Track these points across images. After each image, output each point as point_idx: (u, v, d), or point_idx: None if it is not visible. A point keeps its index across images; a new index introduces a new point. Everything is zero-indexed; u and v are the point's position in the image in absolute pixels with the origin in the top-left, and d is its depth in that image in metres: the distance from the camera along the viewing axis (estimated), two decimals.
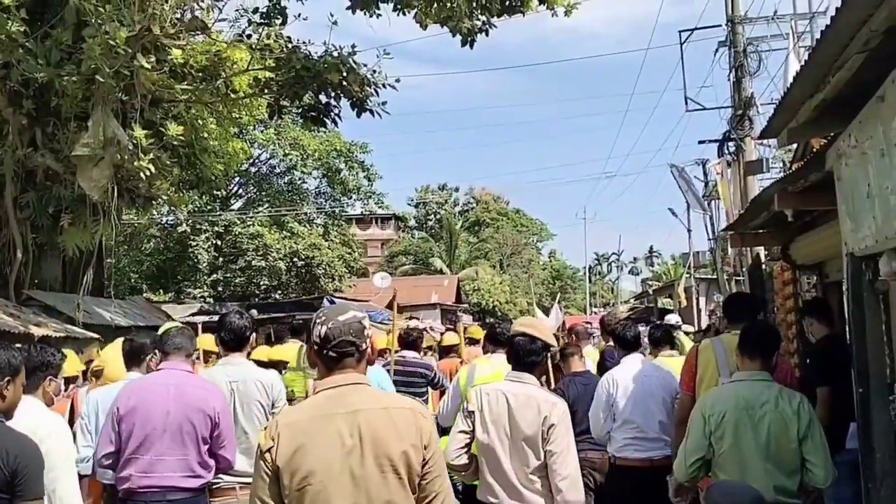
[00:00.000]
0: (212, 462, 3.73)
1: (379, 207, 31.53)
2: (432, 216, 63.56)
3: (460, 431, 3.45)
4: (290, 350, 7.45)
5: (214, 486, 3.85)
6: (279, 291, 25.47)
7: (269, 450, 2.13)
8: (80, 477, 3.46)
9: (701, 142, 17.15)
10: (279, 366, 7.14)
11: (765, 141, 10.20)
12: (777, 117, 3.97)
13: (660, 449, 4.59)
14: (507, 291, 46.76)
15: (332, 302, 17.58)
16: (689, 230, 22.73)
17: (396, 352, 6.86)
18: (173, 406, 3.63)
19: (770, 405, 3.27)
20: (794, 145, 6.94)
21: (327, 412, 2.16)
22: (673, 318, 10.67)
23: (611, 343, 6.30)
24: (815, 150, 4.33)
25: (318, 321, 2.28)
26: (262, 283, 25.00)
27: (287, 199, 26.62)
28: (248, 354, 6.38)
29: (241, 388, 4.05)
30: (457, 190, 65.16)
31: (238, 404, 4.00)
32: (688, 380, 4.36)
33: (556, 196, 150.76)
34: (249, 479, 3.91)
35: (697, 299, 20.49)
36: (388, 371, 6.45)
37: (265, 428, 2.26)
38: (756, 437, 3.24)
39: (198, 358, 5.51)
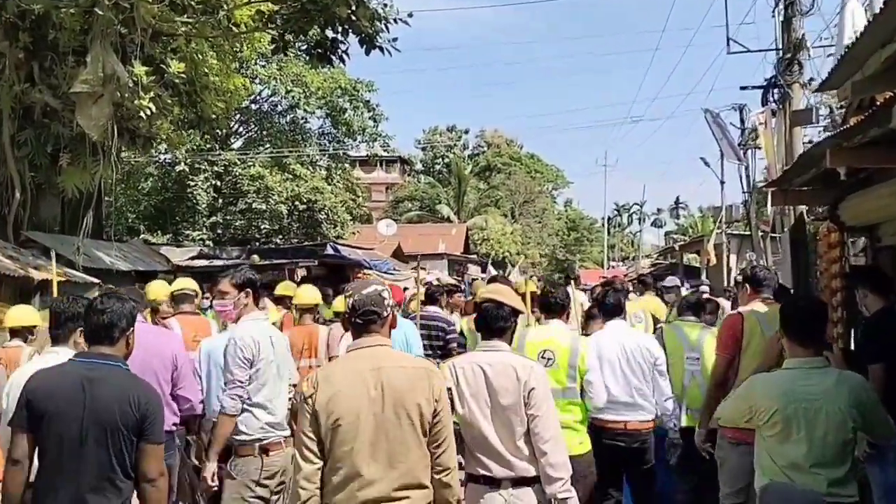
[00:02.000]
0: (174, 405, 4.27)
1: (384, 150, 31.40)
2: (440, 160, 63.11)
3: None
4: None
5: (266, 441, 4.14)
6: (280, 236, 25.62)
7: (310, 396, 2.88)
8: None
9: (743, 88, 16.97)
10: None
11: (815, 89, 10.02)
12: (841, 69, 3.91)
13: (633, 413, 5.02)
14: (519, 242, 46.84)
15: (335, 250, 17.74)
16: (721, 182, 22.58)
17: (423, 303, 7.44)
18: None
19: (827, 397, 3.26)
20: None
21: (357, 368, 2.93)
22: (704, 287, 10.81)
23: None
24: (877, 103, 4.24)
25: (346, 295, 3.08)
26: (262, 226, 25.16)
27: (289, 140, 26.54)
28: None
29: (277, 343, 4.28)
30: (466, 132, 64.66)
31: (278, 358, 4.25)
32: (731, 343, 4.60)
33: (575, 141, 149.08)
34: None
35: (728, 257, 20.43)
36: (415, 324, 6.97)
37: (307, 378, 2.97)
38: (810, 432, 3.27)
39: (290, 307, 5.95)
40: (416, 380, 2.93)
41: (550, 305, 4.84)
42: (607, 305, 5.37)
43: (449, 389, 3.41)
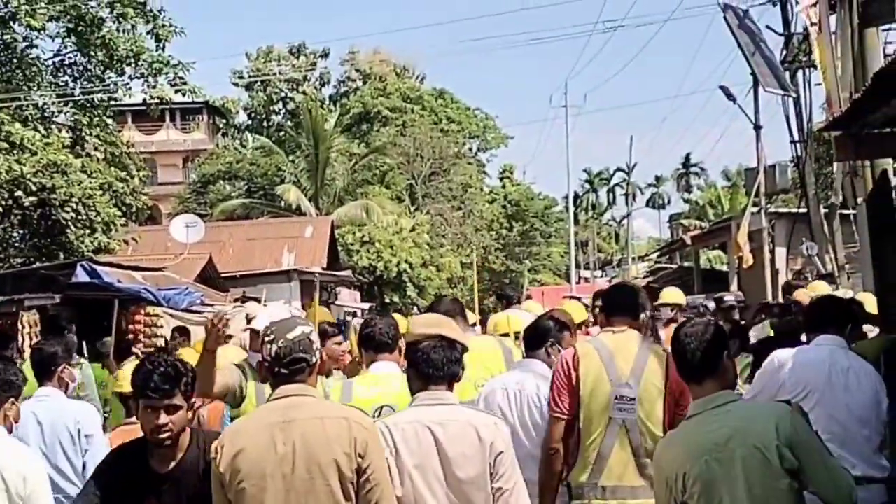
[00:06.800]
0: None
1: (178, 91, 30.93)
2: (279, 105, 62.78)
3: None
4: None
5: None
6: None
7: (215, 457, 4.21)
8: None
9: None
10: None
11: None
12: None
13: None
14: (425, 246, 47.01)
15: (93, 274, 17.29)
16: (756, 126, 22.63)
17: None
18: None
19: (737, 438, 4.17)
20: None
21: (267, 422, 4.20)
22: (729, 297, 11.14)
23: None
24: None
25: (266, 339, 4.35)
26: None
27: (1, 78, 25.84)
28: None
29: None
30: (325, 55, 64.85)
31: None
32: (563, 395, 5.61)
33: (515, 68, 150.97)
34: None
35: (772, 252, 20.94)
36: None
37: (216, 440, 4.33)
38: (731, 490, 4.14)
39: None
40: (334, 432, 4.13)
41: (378, 340, 6.00)
42: (528, 333, 6.58)
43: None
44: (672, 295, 11.80)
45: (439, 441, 4.39)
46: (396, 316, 10.28)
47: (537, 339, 6.42)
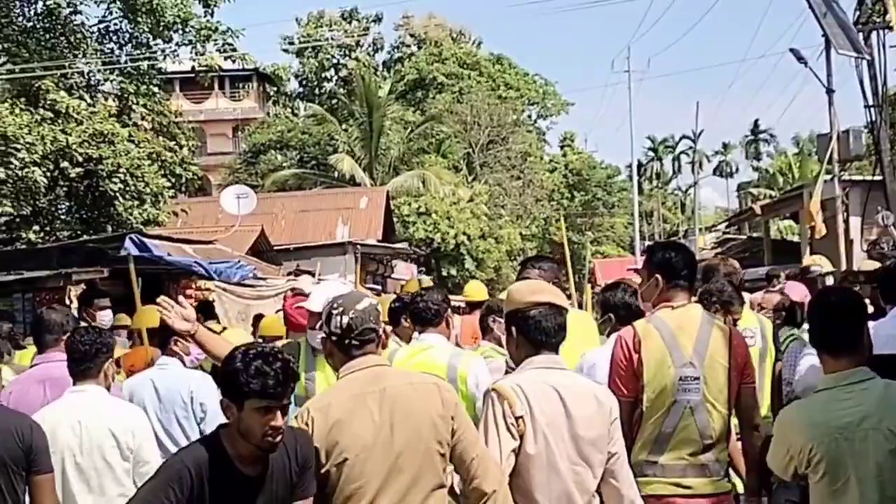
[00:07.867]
0: None
1: (227, 59, 30.97)
2: (331, 73, 62.85)
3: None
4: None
5: None
6: (37, 226, 25.03)
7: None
8: None
9: None
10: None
11: None
12: None
13: None
14: (483, 216, 46.89)
15: (141, 247, 17.28)
16: (828, 90, 22.32)
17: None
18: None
19: (872, 419, 4.21)
20: None
21: (357, 392, 4.39)
22: (816, 268, 11.21)
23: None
24: None
25: (334, 311, 4.54)
26: (1, 209, 24.56)
27: (44, 47, 26.02)
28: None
29: None
30: (378, 20, 64.81)
31: None
32: (625, 377, 5.50)
33: (575, 32, 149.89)
34: None
35: (846, 221, 20.70)
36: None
37: (297, 416, 4.42)
38: (859, 471, 4.18)
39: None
40: (427, 396, 4.44)
41: (423, 314, 6.70)
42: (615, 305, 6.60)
43: (520, 418, 4.66)
44: (826, 262, 12.43)
45: (565, 402, 4.65)
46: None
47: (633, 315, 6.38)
